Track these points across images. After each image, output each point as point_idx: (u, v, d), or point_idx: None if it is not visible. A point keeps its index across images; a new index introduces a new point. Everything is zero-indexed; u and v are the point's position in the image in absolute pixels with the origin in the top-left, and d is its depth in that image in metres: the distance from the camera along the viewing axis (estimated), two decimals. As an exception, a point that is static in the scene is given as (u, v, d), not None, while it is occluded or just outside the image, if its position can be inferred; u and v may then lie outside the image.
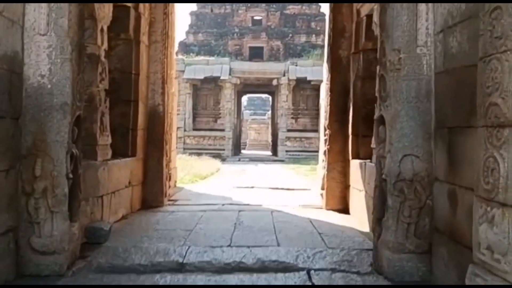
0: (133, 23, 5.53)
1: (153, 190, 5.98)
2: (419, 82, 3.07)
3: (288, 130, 23.82)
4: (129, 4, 5.37)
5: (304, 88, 24.43)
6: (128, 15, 5.37)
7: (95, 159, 4.42)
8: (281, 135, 23.74)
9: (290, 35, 26.35)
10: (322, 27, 26.65)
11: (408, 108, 3.08)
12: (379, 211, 3.37)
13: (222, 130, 23.92)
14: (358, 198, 5.24)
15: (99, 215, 4.40)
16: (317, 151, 23.22)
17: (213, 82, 23.85)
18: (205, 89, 24.69)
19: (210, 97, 24.95)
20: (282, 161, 22.44)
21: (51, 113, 2.99)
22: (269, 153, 28.78)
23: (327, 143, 6.14)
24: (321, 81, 23.35)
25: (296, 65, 23.85)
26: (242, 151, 30.43)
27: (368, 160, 5.25)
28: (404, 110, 3.09)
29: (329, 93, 6.12)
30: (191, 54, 25.00)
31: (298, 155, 23.09)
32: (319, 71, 24.20)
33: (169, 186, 7.21)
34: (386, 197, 3.23)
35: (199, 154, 21.23)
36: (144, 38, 5.79)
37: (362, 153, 5.58)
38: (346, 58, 6.03)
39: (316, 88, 23.99)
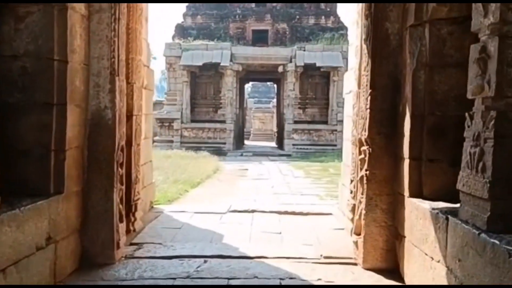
0: (53, -24, 3.37)
1: (97, 239, 3.89)
2: None
3: (295, 122, 21.65)
4: None
5: (313, 76, 22.19)
6: (39, -38, 3.22)
7: None
8: (288, 127, 21.58)
9: (297, 17, 23.96)
10: (333, 8, 24.28)
11: None
12: None
13: (223, 121, 21.80)
14: (427, 269, 3.12)
15: (-44, 331, 2.32)
16: (327, 145, 21.08)
17: (213, 69, 21.66)
18: (204, 77, 22.51)
19: (210, 86, 22.78)
20: (289, 155, 20.34)
21: None
22: (274, 144, 26.69)
23: (365, 166, 3.99)
24: (333, 67, 21.14)
25: (304, 50, 21.58)
26: (246, 142, 28.35)
27: (444, 205, 3.11)
28: None
29: (368, 90, 3.95)
30: (189, 38, 22.75)
31: (307, 149, 20.97)
32: (330, 57, 21.85)
33: (134, 220, 5.12)
34: None
35: (197, 149, 19.18)
36: (77, 4, 3.63)
37: (428, 189, 3.44)
38: (396, 36, 3.85)
39: (326, 76, 21.73)
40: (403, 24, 3.76)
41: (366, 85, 3.99)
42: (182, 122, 21.58)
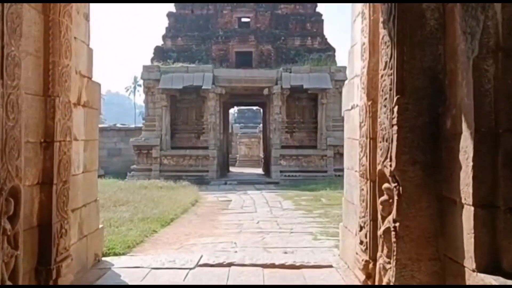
0: None
1: None
2: None
3: (283, 147, 20.28)
4: None
5: (300, 98, 21.00)
6: None
7: None
8: (275, 152, 20.18)
9: (283, 38, 22.91)
10: (319, 29, 23.34)
11: None
12: None
13: (206, 148, 20.33)
14: None
15: None
16: (317, 172, 19.62)
17: (195, 92, 20.35)
18: (185, 101, 21.16)
19: (191, 110, 21.41)
20: (276, 183, 18.88)
21: None
22: (261, 171, 25.23)
23: (392, 214, 2.57)
24: (321, 89, 19.85)
25: (290, 72, 20.43)
26: (231, 169, 26.85)
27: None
28: None
29: (394, 97, 2.56)
30: (169, 61, 21.49)
31: (295, 176, 19.55)
32: (317, 78, 20.65)
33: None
34: None
35: (178, 178, 17.61)
36: None
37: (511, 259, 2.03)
38: (435, 12, 2.50)
39: (314, 98, 20.52)
40: (447, -6, 2.42)
41: (390, 90, 2.60)
42: (161, 149, 20.06)
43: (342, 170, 20.35)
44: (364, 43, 3.78)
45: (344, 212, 5.14)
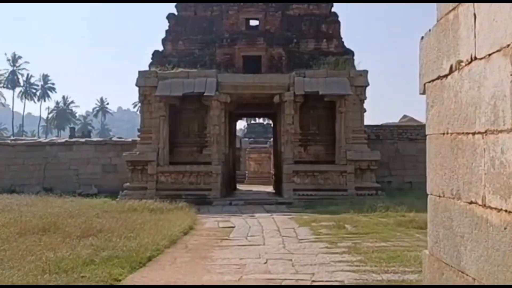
0: None
1: None
2: None
3: (296, 162, 17.79)
4: None
5: (315, 107, 18.55)
6: None
7: None
8: (287, 168, 17.68)
9: (295, 41, 20.55)
10: (335, 31, 20.94)
11: None
12: None
13: (209, 163, 17.94)
14: None
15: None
16: (336, 190, 16.61)
17: (197, 101, 18.07)
18: (186, 111, 18.88)
19: (193, 121, 19.13)
20: (289, 203, 16.34)
21: None
22: (272, 190, 22.71)
23: None
24: (339, 96, 16.57)
25: (304, 77, 18.05)
26: (239, 186, 24.36)
27: None
28: None
29: None
30: (168, 66, 19.26)
31: (310, 195, 16.99)
32: (335, 83, 18.03)
33: None
34: None
35: (176, 197, 15.15)
36: None
37: None
38: None
39: (331, 106, 18.05)
40: None
41: None
42: (158, 165, 17.69)
43: (364, 188, 17.26)
44: None
45: (428, 278, 2.64)
